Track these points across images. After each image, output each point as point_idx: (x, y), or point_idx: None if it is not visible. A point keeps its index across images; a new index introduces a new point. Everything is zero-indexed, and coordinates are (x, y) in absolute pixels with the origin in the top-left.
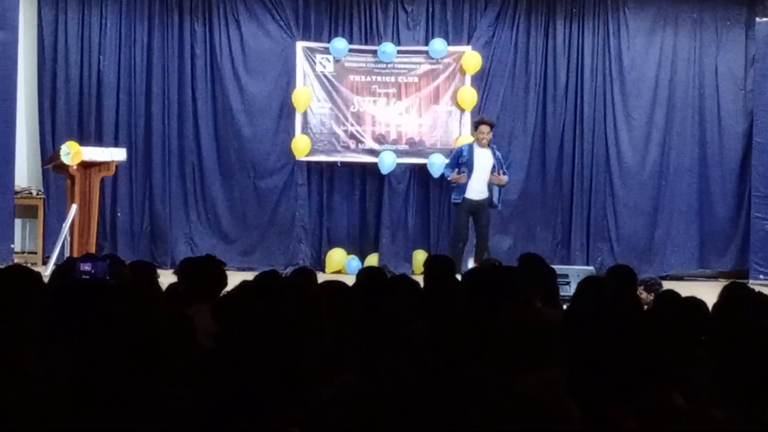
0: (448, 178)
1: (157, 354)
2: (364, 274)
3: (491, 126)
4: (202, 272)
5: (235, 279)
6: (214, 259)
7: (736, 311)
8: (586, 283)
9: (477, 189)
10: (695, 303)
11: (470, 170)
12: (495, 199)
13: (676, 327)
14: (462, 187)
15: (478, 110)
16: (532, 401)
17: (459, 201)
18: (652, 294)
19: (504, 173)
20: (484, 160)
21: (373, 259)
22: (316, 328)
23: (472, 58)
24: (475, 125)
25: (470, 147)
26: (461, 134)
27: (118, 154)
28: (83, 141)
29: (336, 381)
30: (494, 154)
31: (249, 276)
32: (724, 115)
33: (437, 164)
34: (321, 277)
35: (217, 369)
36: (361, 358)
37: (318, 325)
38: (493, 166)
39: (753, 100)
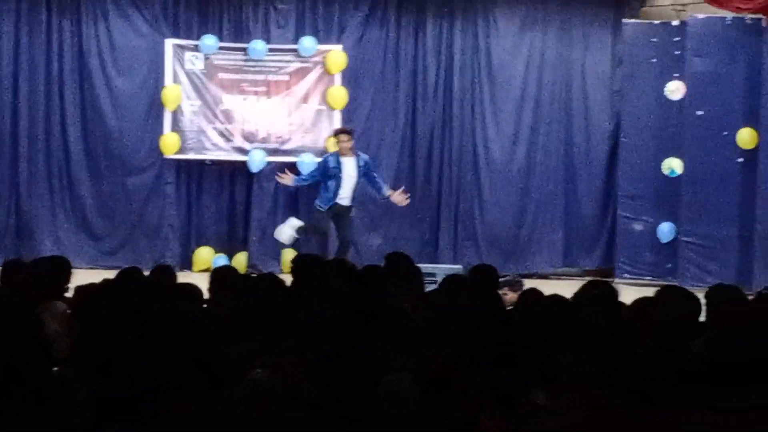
0: (295, 180)
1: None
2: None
3: (350, 134)
4: (45, 271)
5: (100, 277)
6: (57, 258)
7: (597, 309)
8: (447, 282)
9: (344, 196)
10: (557, 301)
11: (339, 180)
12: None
13: (538, 326)
14: (328, 196)
15: (347, 110)
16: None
17: (324, 209)
18: (518, 293)
19: (383, 186)
20: (350, 168)
21: (241, 258)
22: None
23: (337, 58)
24: (335, 135)
25: (336, 157)
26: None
27: None
28: None
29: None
30: (358, 160)
31: (114, 275)
32: (592, 114)
33: (307, 163)
34: (188, 276)
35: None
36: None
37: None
38: (358, 174)
39: (620, 101)
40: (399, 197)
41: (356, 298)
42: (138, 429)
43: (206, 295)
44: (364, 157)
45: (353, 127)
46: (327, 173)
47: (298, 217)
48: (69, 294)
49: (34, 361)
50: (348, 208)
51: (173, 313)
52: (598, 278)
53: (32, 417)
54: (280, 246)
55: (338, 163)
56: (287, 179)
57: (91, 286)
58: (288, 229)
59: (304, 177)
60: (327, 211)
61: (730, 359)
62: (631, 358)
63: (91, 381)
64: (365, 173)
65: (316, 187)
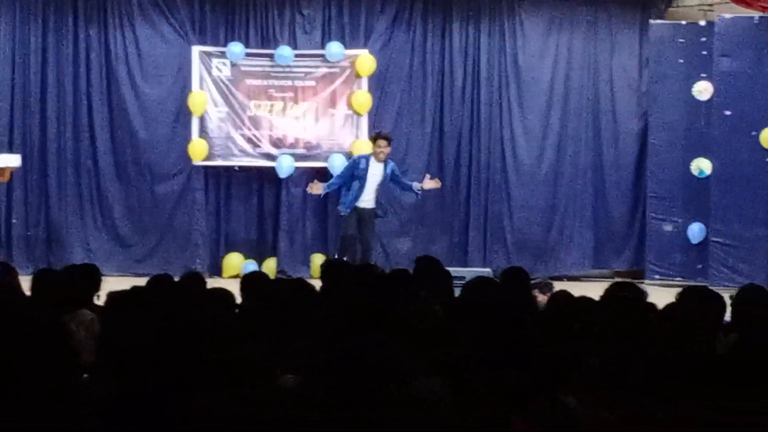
0: (325, 186)
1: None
2: (248, 279)
3: (389, 141)
4: (74, 279)
5: (130, 285)
6: (87, 265)
7: (623, 311)
8: (474, 284)
9: (367, 199)
10: (586, 303)
11: (363, 183)
12: (380, 211)
13: (568, 328)
14: (350, 198)
15: (373, 114)
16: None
17: (346, 212)
18: (548, 295)
19: (410, 186)
20: (377, 173)
21: (270, 263)
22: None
23: (366, 62)
24: (373, 139)
25: (367, 160)
26: (358, 137)
27: (12, 161)
28: None
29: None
30: (386, 167)
31: (144, 281)
32: (619, 116)
33: (338, 165)
34: (218, 282)
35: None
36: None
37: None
38: (383, 180)
39: (647, 102)
40: (430, 183)
41: (384, 302)
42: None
43: (238, 300)
44: (392, 164)
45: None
46: (354, 174)
47: (325, 224)
48: (99, 301)
49: (62, 367)
50: (371, 212)
51: (204, 318)
52: (626, 279)
53: (56, 422)
54: (309, 251)
55: (367, 165)
56: (316, 189)
57: (122, 293)
58: None
59: (332, 182)
60: (351, 214)
61: (754, 360)
62: (656, 359)
63: (116, 386)
64: (392, 179)
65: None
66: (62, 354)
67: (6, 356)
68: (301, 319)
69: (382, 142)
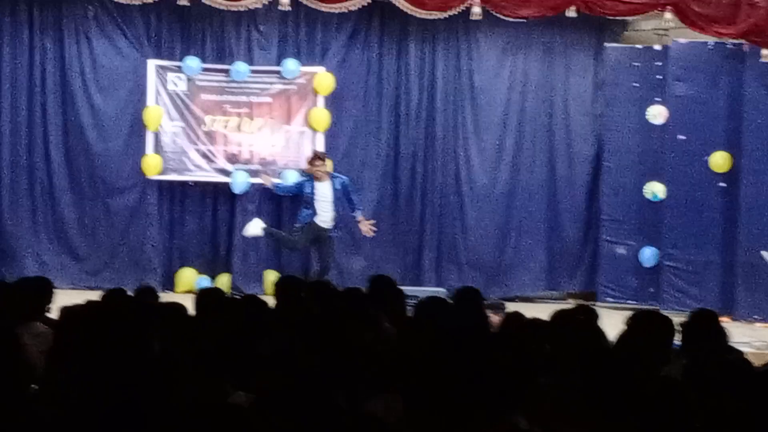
0: (274, 186)
1: None
2: (203, 295)
3: (323, 159)
4: (26, 291)
5: (83, 298)
6: (40, 278)
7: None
8: (426, 303)
9: (322, 219)
10: (539, 325)
11: (312, 207)
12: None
13: (520, 349)
14: (308, 214)
15: (330, 132)
16: (378, 426)
17: (304, 225)
18: (500, 315)
19: (356, 208)
20: (325, 193)
21: (224, 279)
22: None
23: (324, 79)
24: (309, 160)
25: (311, 183)
26: None
27: None
28: None
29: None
30: (334, 183)
31: (97, 295)
32: (574, 138)
33: (292, 181)
34: (171, 296)
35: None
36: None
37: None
38: (334, 197)
39: (602, 125)
40: (364, 226)
41: (337, 320)
42: None
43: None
44: (341, 179)
45: (326, 153)
46: (303, 198)
47: (279, 241)
48: (51, 314)
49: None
50: (327, 231)
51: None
52: (579, 301)
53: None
54: (263, 267)
55: (312, 188)
56: (267, 181)
57: (77, 307)
58: (254, 227)
59: (284, 186)
60: (306, 229)
61: (702, 384)
62: (607, 382)
63: (66, 399)
64: (343, 194)
65: (297, 205)
66: (14, 366)
67: None
68: (254, 335)
69: (316, 162)
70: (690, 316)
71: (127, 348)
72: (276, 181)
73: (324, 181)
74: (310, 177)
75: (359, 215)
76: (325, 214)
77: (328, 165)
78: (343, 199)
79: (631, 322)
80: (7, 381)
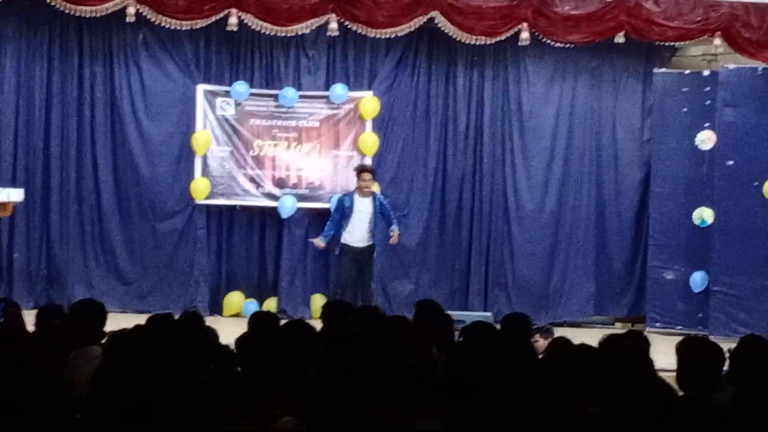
0: (325, 241)
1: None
2: (257, 319)
3: (373, 174)
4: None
5: (132, 322)
6: (93, 302)
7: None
8: (472, 329)
9: (359, 236)
10: (586, 351)
11: (348, 219)
12: (378, 248)
13: (566, 375)
14: (337, 237)
15: (378, 156)
16: None
17: (337, 252)
18: (548, 340)
19: (393, 223)
20: (365, 209)
21: (271, 303)
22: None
23: (370, 104)
24: (357, 173)
25: (351, 197)
26: None
27: (15, 195)
28: None
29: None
30: (374, 202)
31: (145, 319)
32: (621, 164)
33: (380, 198)
34: (218, 320)
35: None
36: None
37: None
38: (374, 214)
39: (650, 150)
40: (393, 238)
41: (384, 346)
42: None
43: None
44: (380, 197)
45: (375, 167)
46: (344, 213)
47: (326, 265)
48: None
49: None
50: (367, 251)
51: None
52: (629, 327)
53: None
54: (310, 291)
55: (352, 202)
56: (318, 243)
57: (123, 333)
58: None
59: (327, 232)
60: (344, 256)
61: (752, 413)
62: (655, 409)
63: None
64: (381, 211)
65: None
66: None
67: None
68: (303, 360)
69: (366, 176)
70: (739, 342)
71: (173, 373)
72: (319, 239)
73: (366, 198)
74: (350, 192)
75: (395, 228)
76: (360, 232)
77: (375, 187)
78: (381, 217)
79: (681, 349)
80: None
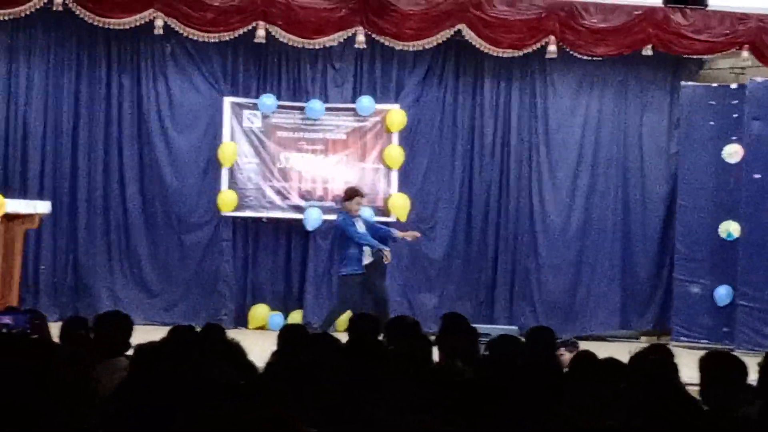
0: (381, 247)
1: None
2: (286, 331)
3: (363, 196)
4: (106, 327)
5: (158, 334)
6: (119, 314)
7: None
8: (498, 342)
9: (366, 258)
10: (612, 364)
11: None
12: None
13: (591, 389)
14: (356, 258)
15: (404, 169)
16: None
17: (359, 271)
18: (573, 353)
19: (389, 231)
20: (361, 227)
21: (296, 316)
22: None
23: (396, 117)
24: (351, 196)
25: (353, 220)
26: (389, 192)
27: (42, 207)
28: (7, 193)
29: None
30: (361, 219)
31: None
32: (648, 177)
33: (365, 216)
34: (243, 333)
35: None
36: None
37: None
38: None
39: (677, 163)
40: (410, 234)
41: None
42: None
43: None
44: (364, 215)
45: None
46: (353, 237)
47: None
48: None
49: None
50: (371, 265)
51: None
52: (657, 341)
53: None
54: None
55: (354, 223)
56: (411, 235)
57: (149, 346)
58: None
59: (371, 238)
60: (357, 276)
61: None
62: (681, 423)
63: None
64: (370, 228)
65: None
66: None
67: (28, 408)
68: (329, 373)
69: (360, 199)
70: (765, 355)
71: (196, 385)
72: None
73: (357, 217)
74: (349, 217)
75: (396, 231)
76: (366, 249)
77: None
78: (374, 233)
79: (704, 364)
80: (77, 419)
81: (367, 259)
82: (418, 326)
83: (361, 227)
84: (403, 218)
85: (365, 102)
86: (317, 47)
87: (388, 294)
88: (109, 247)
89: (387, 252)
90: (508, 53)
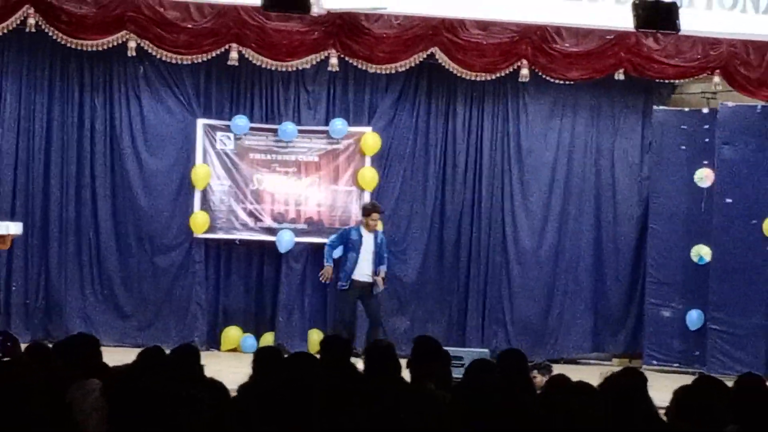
0: (327, 262)
1: None
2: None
3: (382, 214)
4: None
5: (129, 356)
6: (86, 335)
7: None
8: (473, 366)
9: (364, 272)
10: (584, 388)
11: (357, 253)
12: (375, 288)
13: (565, 412)
14: (348, 270)
15: (377, 191)
16: None
17: (346, 287)
18: (546, 377)
19: (384, 263)
20: (369, 243)
21: (269, 338)
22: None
23: (370, 140)
24: (368, 212)
25: (359, 231)
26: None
27: (14, 228)
28: None
29: None
30: (376, 237)
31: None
32: (620, 200)
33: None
34: (216, 355)
35: None
36: None
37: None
38: (376, 250)
39: (649, 187)
40: (379, 280)
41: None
42: None
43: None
44: (381, 235)
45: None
46: (348, 245)
47: (324, 300)
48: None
49: None
50: (367, 287)
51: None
52: (630, 365)
53: None
54: (307, 326)
55: (360, 236)
56: (326, 272)
57: (121, 368)
58: None
59: (329, 254)
60: (351, 291)
61: None
62: None
63: None
64: (380, 249)
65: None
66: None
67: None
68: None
69: (377, 216)
70: (737, 380)
71: (170, 409)
72: (327, 266)
73: (371, 234)
74: (357, 226)
75: (383, 270)
76: (366, 265)
77: (379, 225)
78: (378, 254)
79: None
80: None
81: (363, 278)
82: (392, 349)
83: (367, 244)
84: None
85: (338, 125)
86: (290, 70)
87: (379, 317)
88: (81, 269)
89: (378, 278)
90: (481, 77)
